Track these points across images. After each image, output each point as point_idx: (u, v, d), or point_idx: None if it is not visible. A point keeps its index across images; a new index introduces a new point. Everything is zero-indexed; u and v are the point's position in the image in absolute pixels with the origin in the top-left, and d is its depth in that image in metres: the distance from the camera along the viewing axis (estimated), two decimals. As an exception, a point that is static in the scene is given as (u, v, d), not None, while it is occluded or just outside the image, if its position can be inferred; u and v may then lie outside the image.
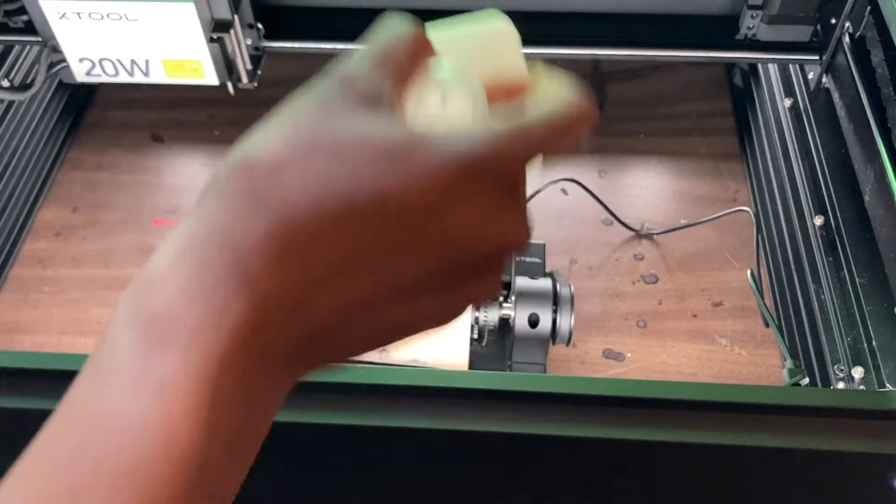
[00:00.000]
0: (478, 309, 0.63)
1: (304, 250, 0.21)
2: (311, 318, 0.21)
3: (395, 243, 0.22)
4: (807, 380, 0.63)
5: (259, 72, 0.81)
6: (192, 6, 0.69)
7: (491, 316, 0.63)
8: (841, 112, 0.72)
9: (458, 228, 0.22)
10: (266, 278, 0.20)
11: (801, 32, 0.79)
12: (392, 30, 0.25)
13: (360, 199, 0.21)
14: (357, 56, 0.24)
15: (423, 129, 0.22)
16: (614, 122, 0.94)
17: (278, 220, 0.20)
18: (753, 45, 0.81)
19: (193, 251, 0.20)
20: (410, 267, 0.22)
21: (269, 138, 0.22)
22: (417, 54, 0.25)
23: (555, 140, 0.24)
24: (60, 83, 0.92)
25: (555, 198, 0.86)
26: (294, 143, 0.21)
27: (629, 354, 0.75)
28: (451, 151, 0.22)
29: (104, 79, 0.76)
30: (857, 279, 0.64)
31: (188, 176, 0.90)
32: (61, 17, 0.71)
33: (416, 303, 0.23)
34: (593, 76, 0.99)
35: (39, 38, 0.75)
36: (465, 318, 0.62)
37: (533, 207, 0.79)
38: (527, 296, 0.64)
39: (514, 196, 0.24)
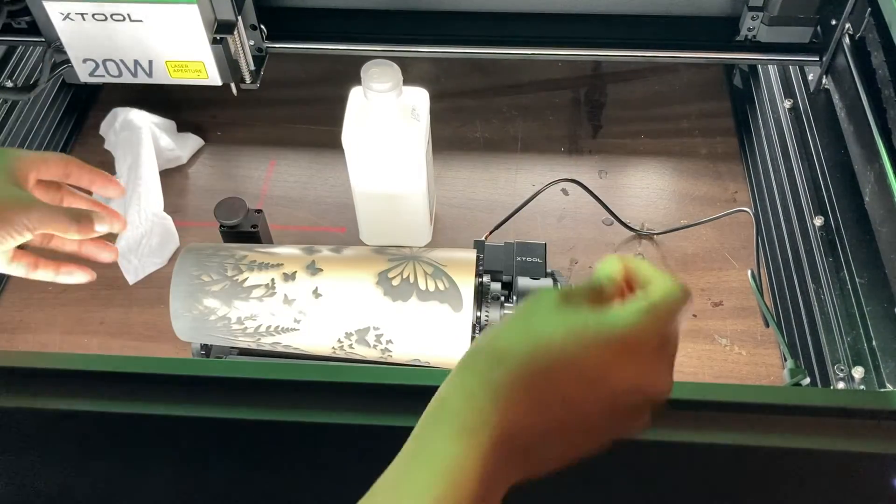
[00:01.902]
0: (479, 309, 0.63)
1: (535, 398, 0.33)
2: (524, 436, 0.32)
3: (582, 393, 0.33)
4: (808, 380, 0.63)
5: (262, 72, 0.81)
6: (195, 7, 0.69)
7: (493, 315, 0.63)
8: (841, 113, 0.72)
9: (622, 383, 0.33)
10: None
11: (802, 34, 0.79)
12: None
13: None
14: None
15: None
16: (614, 123, 0.94)
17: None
18: (753, 46, 0.81)
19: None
20: (590, 409, 0.33)
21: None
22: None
23: (676, 308, 0.36)
24: (64, 83, 0.93)
25: (555, 198, 0.86)
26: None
27: (630, 354, 0.75)
28: (616, 330, 0.33)
29: (108, 79, 0.76)
30: (857, 279, 0.64)
31: (190, 176, 0.91)
32: (64, 18, 0.71)
33: (591, 433, 0.34)
34: (594, 77, 0.99)
35: (43, 39, 0.76)
36: (467, 318, 0.62)
37: (534, 208, 0.80)
38: (528, 296, 0.64)
39: (661, 355, 0.35)
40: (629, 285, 0.38)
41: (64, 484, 0.48)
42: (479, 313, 0.63)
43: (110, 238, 0.83)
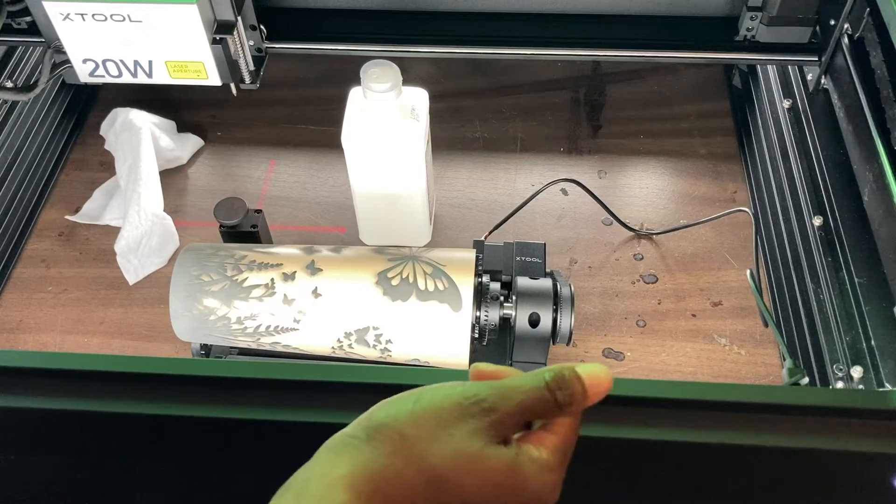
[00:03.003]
0: (478, 308, 0.63)
1: None
2: None
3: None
4: (806, 379, 0.64)
5: (262, 73, 0.81)
6: (194, 7, 0.69)
7: (492, 315, 0.63)
8: (840, 113, 0.72)
9: None
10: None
11: (801, 34, 0.79)
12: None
13: None
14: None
15: None
16: (614, 123, 0.94)
17: None
18: (753, 46, 0.81)
19: None
20: None
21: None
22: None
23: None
24: (63, 84, 0.93)
25: (555, 198, 0.86)
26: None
27: (629, 354, 0.75)
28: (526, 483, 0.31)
29: (107, 80, 0.76)
30: (855, 279, 0.64)
31: (190, 176, 0.91)
32: (64, 19, 0.71)
33: None
34: (593, 77, 0.99)
35: (43, 40, 0.76)
36: (466, 318, 0.62)
37: (533, 208, 0.80)
38: (527, 295, 0.64)
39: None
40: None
41: (64, 483, 0.48)
42: (478, 313, 0.63)
43: (110, 238, 0.83)
